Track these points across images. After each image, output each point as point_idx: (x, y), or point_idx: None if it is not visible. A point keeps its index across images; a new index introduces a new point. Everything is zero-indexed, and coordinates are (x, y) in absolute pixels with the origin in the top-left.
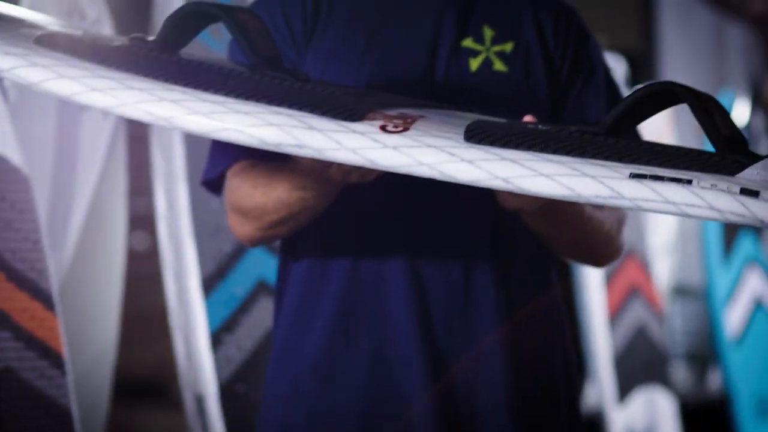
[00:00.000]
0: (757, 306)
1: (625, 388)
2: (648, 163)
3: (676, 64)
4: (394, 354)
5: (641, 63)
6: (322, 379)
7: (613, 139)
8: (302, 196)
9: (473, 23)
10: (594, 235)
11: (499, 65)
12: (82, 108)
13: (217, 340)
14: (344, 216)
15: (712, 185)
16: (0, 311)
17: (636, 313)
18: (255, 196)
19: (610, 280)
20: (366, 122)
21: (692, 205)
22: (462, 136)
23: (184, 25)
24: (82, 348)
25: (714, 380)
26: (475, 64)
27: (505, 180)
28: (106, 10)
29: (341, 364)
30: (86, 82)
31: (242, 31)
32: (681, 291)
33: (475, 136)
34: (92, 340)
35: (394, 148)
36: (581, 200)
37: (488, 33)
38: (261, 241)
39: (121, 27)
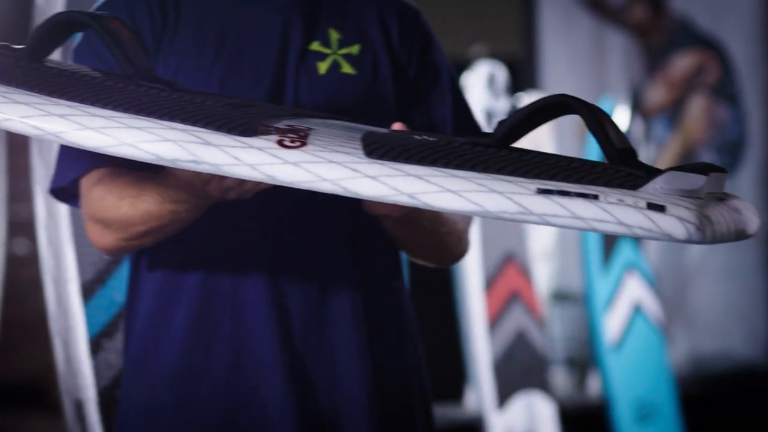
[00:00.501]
0: (636, 311)
1: (504, 393)
2: (552, 177)
3: (557, 71)
4: (252, 363)
5: (522, 70)
6: (181, 391)
7: (506, 151)
8: (174, 210)
9: (320, 26)
10: (449, 235)
11: (347, 68)
12: None
13: (96, 345)
14: (203, 227)
15: (618, 200)
16: None
17: (516, 319)
18: (121, 207)
19: (490, 285)
20: (261, 137)
21: (601, 221)
22: (361, 151)
23: (55, 33)
24: None
25: (593, 385)
26: (323, 67)
27: (410, 196)
28: None
29: (199, 376)
30: None
31: (116, 41)
32: (561, 296)
33: (376, 150)
34: None
35: (295, 164)
36: (488, 216)
37: (335, 36)
38: (123, 251)
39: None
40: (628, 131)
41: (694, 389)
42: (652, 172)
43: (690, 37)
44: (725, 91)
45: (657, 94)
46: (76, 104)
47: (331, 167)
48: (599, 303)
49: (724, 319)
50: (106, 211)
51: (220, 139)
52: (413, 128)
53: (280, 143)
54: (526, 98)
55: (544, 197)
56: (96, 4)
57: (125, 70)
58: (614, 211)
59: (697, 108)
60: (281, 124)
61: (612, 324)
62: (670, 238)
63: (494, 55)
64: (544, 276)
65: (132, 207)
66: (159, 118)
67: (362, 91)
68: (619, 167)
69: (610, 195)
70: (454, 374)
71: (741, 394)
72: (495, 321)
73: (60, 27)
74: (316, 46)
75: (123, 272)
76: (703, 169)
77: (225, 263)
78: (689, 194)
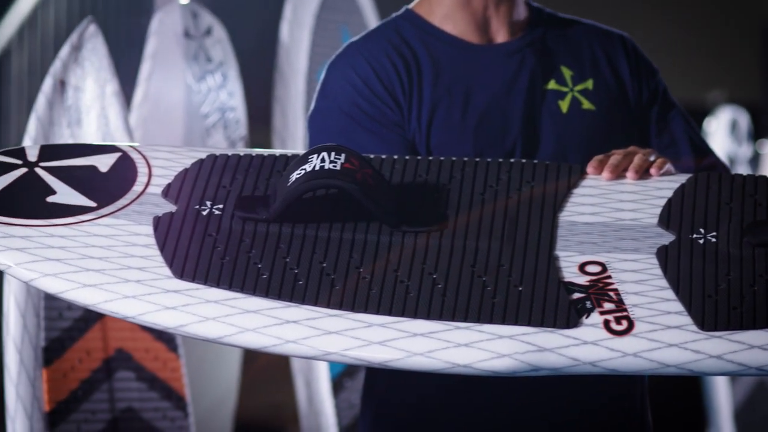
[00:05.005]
0: None
1: None
2: None
3: None
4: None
5: (763, 116)
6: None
7: None
8: None
9: (553, 65)
10: None
11: (586, 104)
12: None
13: (338, 385)
14: None
15: None
16: (122, 351)
17: None
18: None
19: None
20: (585, 322)
21: None
22: (690, 320)
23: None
24: (204, 390)
25: None
26: (564, 105)
27: (759, 369)
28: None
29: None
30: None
31: (367, 191)
32: None
33: (707, 319)
34: (214, 383)
35: (635, 354)
36: None
37: (567, 73)
38: None
39: None
40: None
41: None
42: None
43: None
44: None
45: None
46: (381, 317)
47: (671, 352)
48: None
49: None
50: None
51: (550, 340)
52: (657, 150)
53: (607, 326)
54: None
55: None
56: (331, 59)
57: (387, 221)
58: None
59: None
60: (582, 279)
61: None
62: None
63: (735, 101)
64: None
65: None
66: (477, 321)
67: (604, 125)
68: None
69: None
70: (695, 420)
71: None
72: None
73: (306, 192)
74: (552, 84)
75: None
76: None
77: None
78: None
